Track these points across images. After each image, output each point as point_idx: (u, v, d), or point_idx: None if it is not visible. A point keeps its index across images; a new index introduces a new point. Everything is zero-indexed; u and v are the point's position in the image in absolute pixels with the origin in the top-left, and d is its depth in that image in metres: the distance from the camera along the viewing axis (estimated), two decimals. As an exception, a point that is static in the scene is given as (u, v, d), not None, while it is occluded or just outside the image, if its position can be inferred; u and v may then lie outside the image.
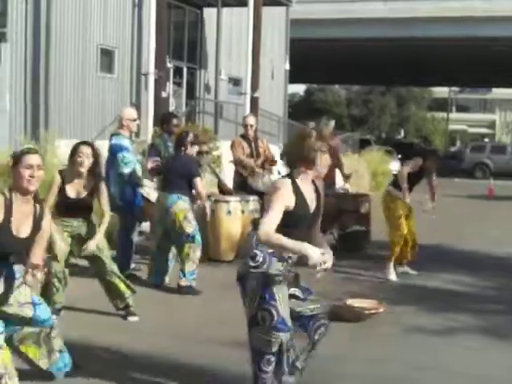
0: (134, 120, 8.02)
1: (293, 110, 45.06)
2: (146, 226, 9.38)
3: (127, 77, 16.62)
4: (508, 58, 33.25)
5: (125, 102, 15.98)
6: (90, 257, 6.19)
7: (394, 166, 24.73)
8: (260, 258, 4.10)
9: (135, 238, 8.21)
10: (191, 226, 7.39)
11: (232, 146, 9.80)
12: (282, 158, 4.45)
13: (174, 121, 8.76)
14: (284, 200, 4.07)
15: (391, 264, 8.48)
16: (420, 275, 8.65)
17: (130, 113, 8.14)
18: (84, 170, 6.03)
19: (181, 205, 7.39)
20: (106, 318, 6.35)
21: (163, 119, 8.99)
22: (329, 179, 10.55)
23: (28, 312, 4.46)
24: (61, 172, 6.15)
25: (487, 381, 5.11)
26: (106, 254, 6.23)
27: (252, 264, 4.11)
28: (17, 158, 4.27)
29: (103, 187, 6.18)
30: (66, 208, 6.06)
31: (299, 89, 66.11)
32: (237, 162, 9.77)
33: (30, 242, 4.30)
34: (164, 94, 16.72)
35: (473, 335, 6.28)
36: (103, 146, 7.74)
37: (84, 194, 6.10)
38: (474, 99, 76.47)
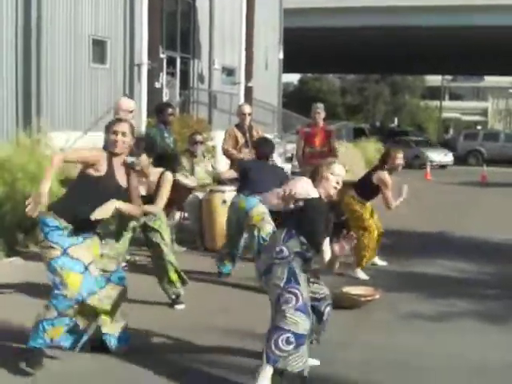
0: (131, 111, 7.96)
1: (287, 99, 44.99)
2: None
3: (120, 67, 16.54)
4: (500, 46, 33.26)
5: (118, 92, 15.91)
6: (151, 241, 6.43)
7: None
8: (286, 253, 4.46)
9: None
10: (270, 226, 7.18)
11: (224, 137, 9.80)
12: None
13: (169, 110, 8.73)
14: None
15: (359, 269, 8.07)
16: (415, 262, 8.65)
17: (127, 104, 8.07)
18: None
19: (260, 209, 7.30)
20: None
21: (158, 109, 8.95)
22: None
23: (112, 266, 4.90)
24: None
25: (486, 365, 5.12)
26: (166, 242, 6.44)
27: (278, 256, 4.45)
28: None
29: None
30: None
31: (293, 78, 66.05)
32: (225, 154, 9.75)
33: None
34: (157, 85, 16.67)
35: (470, 320, 6.30)
36: (96, 138, 7.68)
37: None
38: (467, 87, 76.60)
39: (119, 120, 5.02)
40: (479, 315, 6.44)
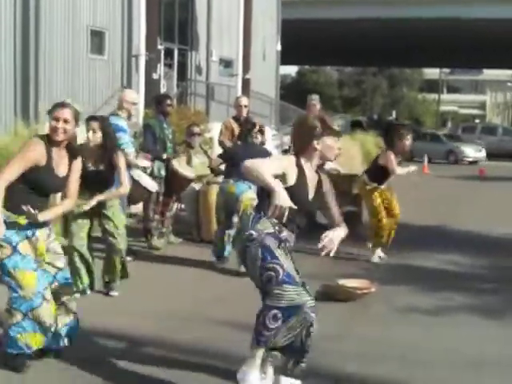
0: (135, 104, 8.01)
1: (285, 91, 44.96)
2: (136, 208, 9.38)
3: (118, 58, 16.52)
4: (499, 39, 33.22)
5: (116, 83, 15.90)
6: (104, 229, 6.40)
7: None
8: (255, 235, 4.15)
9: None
10: None
11: (220, 129, 9.82)
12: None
13: (168, 101, 8.76)
14: (282, 166, 4.16)
15: (375, 250, 8.46)
16: (412, 255, 8.66)
17: (132, 96, 8.12)
18: (94, 143, 6.23)
19: (250, 194, 7.45)
20: (95, 299, 6.36)
21: (156, 100, 8.96)
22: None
23: (60, 263, 4.65)
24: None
25: (482, 359, 5.13)
26: (119, 230, 6.41)
27: (249, 239, 4.16)
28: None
29: (118, 159, 6.29)
30: (87, 181, 6.08)
31: (291, 70, 65.98)
32: (221, 145, 9.77)
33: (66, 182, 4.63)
34: (155, 76, 16.66)
35: (467, 314, 6.30)
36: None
37: (101, 167, 6.30)
38: (465, 80, 76.53)
39: (62, 105, 4.52)
40: (476, 309, 6.45)
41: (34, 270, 4.45)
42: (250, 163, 4.07)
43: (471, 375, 4.80)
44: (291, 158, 4.28)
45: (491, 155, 31.51)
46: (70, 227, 6.34)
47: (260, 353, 4.11)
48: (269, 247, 4.13)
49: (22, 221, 4.42)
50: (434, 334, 5.69)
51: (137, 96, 8.20)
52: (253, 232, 4.17)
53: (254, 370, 4.11)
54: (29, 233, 4.49)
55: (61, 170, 4.57)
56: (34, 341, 4.50)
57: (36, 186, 4.47)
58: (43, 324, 4.48)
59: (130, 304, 6.26)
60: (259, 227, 4.18)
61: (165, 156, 8.60)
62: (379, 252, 8.47)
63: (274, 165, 4.15)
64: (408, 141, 8.25)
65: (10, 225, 4.38)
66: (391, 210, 8.46)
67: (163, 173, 8.65)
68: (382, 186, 8.43)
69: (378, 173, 8.37)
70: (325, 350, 4.94)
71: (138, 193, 8.05)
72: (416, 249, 9.13)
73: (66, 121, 4.45)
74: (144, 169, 8.15)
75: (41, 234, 4.57)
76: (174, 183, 8.73)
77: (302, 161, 4.28)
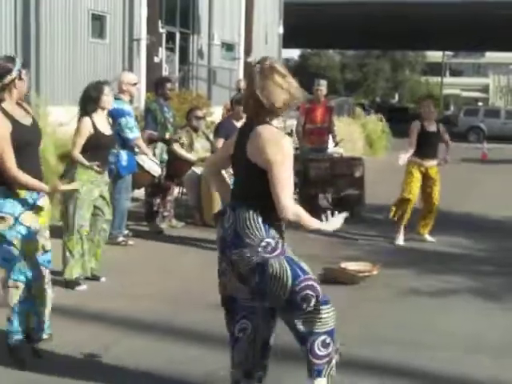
0: (135, 84, 7.97)
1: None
2: (139, 192, 9.37)
3: (119, 42, 16.47)
4: (502, 22, 33.04)
5: (117, 67, 15.85)
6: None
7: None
8: (273, 245, 3.55)
9: (128, 204, 8.16)
10: None
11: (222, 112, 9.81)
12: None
13: (168, 85, 8.74)
14: None
15: (399, 228, 8.48)
16: (413, 238, 8.65)
17: (130, 77, 8.08)
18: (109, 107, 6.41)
19: None
20: (96, 284, 6.37)
21: (157, 84, 8.95)
22: (322, 144, 10.54)
23: (49, 246, 4.53)
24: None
25: (483, 341, 5.14)
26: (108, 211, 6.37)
27: (265, 250, 3.52)
28: None
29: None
30: (102, 145, 6.23)
31: (294, 54, 65.75)
32: None
33: None
34: (156, 60, 16.61)
35: (468, 297, 6.31)
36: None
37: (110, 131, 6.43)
38: (468, 63, 76.26)
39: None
40: (478, 292, 6.45)
41: (36, 241, 4.40)
42: (290, 215, 3.45)
43: (472, 358, 4.81)
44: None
45: (494, 138, 31.38)
46: (79, 209, 6.14)
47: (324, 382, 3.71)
48: (294, 260, 3.58)
49: (23, 193, 4.37)
50: (436, 317, 5.70)
51: (135, 76, 8.16)
52: (270, 241, 3.55)
53: None
54: (30, 201, 4.41)
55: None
56: (28, 320, 4.43)
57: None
58: (39, 302, 4.42)
59: (132, 287, 6.27)
60: (274, 234, 3.56)
61: (167, 136, 8.58)
62: (399, 236, 8.48)
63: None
64: (428, 108, 8.42)
65: (10, 196, 4.32)
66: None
67: (165, 156, 8.64)
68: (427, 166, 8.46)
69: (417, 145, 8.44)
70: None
71: (142, 177, 8.05)
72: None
73: None
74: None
75: (42, 202, 4.50)
76: (175, 166, 8.73)
77: None
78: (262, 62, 3.55)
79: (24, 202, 4.38)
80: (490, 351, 4.96)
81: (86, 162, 6.10)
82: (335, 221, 3.69)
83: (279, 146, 3.44)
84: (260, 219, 3.51)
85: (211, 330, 5.05)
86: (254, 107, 3.53)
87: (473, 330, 5.41)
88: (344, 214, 3.73)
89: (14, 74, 4.29)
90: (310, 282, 3.57)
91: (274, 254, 3.52)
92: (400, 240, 8.45)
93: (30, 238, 4.38)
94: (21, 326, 4.43)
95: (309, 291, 3.55)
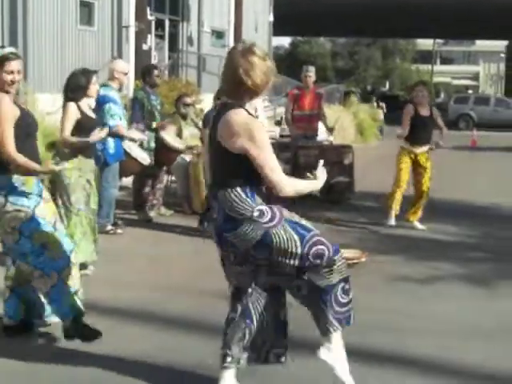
0: (126, 73, 7.93)
1: (277, 62, 44.62)
2: (127, 181, 9.32)
3: (107, 30, 16.35)
4: (492, 10, 33.04)
5: (105, 55, 15.74)
6: None
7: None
8: (269, 214, 3.55)
9: (116, 192, 8.10)
10: None
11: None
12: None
13: (155, 72, 8.68)
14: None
15: (390, 211, 8.55)
16: (402, 225, 8.63)
17: (123, 66, 8.03)
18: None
19: None
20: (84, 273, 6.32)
21: (144, 71, 8.89)
22: (311, 131, 10.49)
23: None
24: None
25: (474, 327, 5.13)
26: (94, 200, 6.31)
27: (264, 220, 3.53)
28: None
29: None
30: (89, 129, 6.19)
31: (284, 41, 65.62)
32: None
33: None
34: (145, 47, 16.52)
35: (458, 283, 6.30)
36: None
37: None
38: (458, 51, 76.28)
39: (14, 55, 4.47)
40: (468, 279, 6.44)
41: (54, 231, 4.43)
42: (288, 188, 3.55)
43: (463, 343, 4.79)
44: None
45: (484, 125, 31.42)
46: (73, 192, 6.07)
47: (339, 334, 3.82)
48: (294, 221, 3.62)
49: (31, 182, 4.41)
50: (426, 303, 5.69)
51: (127, 65, 8.11)
52: (262, 207, 3.55)
53: (340, 347, 3.83)
54: (39, 193, 4.45)
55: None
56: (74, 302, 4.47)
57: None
58: (69, 288, 4.44)
59: (121, 275, 6.23)
60: (260, 201, 3.58)
61: (154, 125, 8.52)
62: (390, 216, 8.56)
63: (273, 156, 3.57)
64: (420, 92, 8.43)
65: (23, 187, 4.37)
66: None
67: (153, 144, 8.57)
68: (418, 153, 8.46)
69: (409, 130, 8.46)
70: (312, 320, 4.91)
71: (129, 165, 7.99)
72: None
73: (19, 72, 4.47)
74: (134, 140, 8.04)
75: (46, 194, 4.57)
76: (162, 155, 8.66)
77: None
78: (242, 44, 3.66)
79: (36, 193, 4.42)
80: (481, 337, 4.94)
81: (77, 141, 6.07)
82: (320, 174, 3.82)
83: (252, 130, 3.50)
84: (241, 192, 3.55)
85: (202, 318, 5.03)
86: (234, 88, 3.58)
87: (463, 315, 5.40)
88: (321, 163, 3.89)
89: None
90: (317, 238, 3.62)
91: (274, 222, 3.55)
92: (392, 220, 8.46)
93: (47, 229, 4.40)
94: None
95: (320, 246, 3.61)
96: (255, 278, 3.79)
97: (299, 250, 3.57)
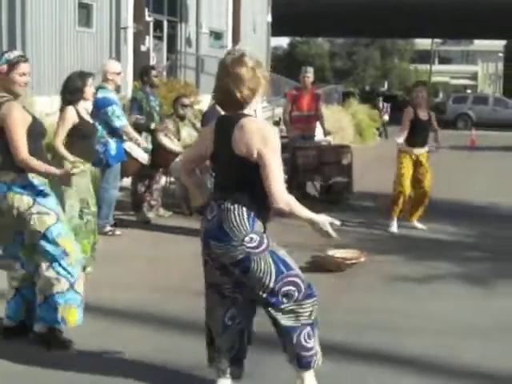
0: (119, 73, 7.91)
1: (276, 63, 44.70)
2: (127, 182, 9.32)
3: (106, 31, 16.36)
4: (490, 9, 33.03)
5: (104, 56, 15.75)
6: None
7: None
8: (256, 241, 3.51)
9: (116, 193, 8.12)
10: None
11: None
12: None
13: (153, 72, 8.71)
14: None
15: (392, 218, 8.45)
16: (401, 225, 8.64)
17: (115, 66, 8.02)
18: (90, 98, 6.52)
19: None
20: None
21: (142, 72, 8.91)
22: (309, 132, 10.50)
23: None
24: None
25: (472, 326, 5.14)
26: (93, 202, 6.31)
27: (250, 245, 3.49)
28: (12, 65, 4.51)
29: None
30: (88, 133, 6.25)
31: (283, 42, 65.63)
32: None
33: None
34: (143, 48, 16.52)
35: (455, 283, 6.31)
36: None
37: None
38: (456, 51, 76.27)
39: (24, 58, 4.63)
40: (467, 278, 6.45)
41: (72, 237, 4.51)
42: (286, 204, 3.47)
43: (461, 342, 4.80)
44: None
45: (482, 125, 31.41)
46: (69, 199, 6.06)
47: (312, 377, 3.75)
48: (278, 255, 3.57)
49: (50, 182, 4.49)
50: (424, 303, 5.70)
51: (119, 65, 8.10)
52: (254, 236, 3.51)
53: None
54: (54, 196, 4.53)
55: None
56: (72, 315, 4.43)
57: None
58: (78, 296, 4.45)
59: (119, 277, 6.24)
60: (258, 228, 3.53)
61: (153, 126, 8.53)
62: (393, 223, 8.48)
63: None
64: (419, 93, 8.42)
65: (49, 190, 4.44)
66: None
67: (150, 146, 8.58)
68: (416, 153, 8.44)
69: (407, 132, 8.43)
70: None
71: (130, 165, 8.00)
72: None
73: (29, 74, 4.63)
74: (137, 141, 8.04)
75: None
76: (159, 156, 8.66)
77: None
78: (232, 54, 3.63)
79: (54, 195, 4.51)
80: (478, 336, 4.95)
81: (69, 157, 6.08)
82: (325, 218, 3.61)
83: (266, 137, 3.47)
84: (245, 214, 3.49)
85: (199, 319, 5.02)
86: (226, 98, 3.59)
87: (461, 314, 5.41)
88: (337, 222, 3.64)
89: None
90: (292, 278, 3.58)
91: (259, 250, 3.51)
92: (394, 228, 8.42)
93: (69, 234, 4.49)
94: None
95: (291, 287, 3.57)
96: (232, 285, 3.71)
97: (272, 285, 3.54)
